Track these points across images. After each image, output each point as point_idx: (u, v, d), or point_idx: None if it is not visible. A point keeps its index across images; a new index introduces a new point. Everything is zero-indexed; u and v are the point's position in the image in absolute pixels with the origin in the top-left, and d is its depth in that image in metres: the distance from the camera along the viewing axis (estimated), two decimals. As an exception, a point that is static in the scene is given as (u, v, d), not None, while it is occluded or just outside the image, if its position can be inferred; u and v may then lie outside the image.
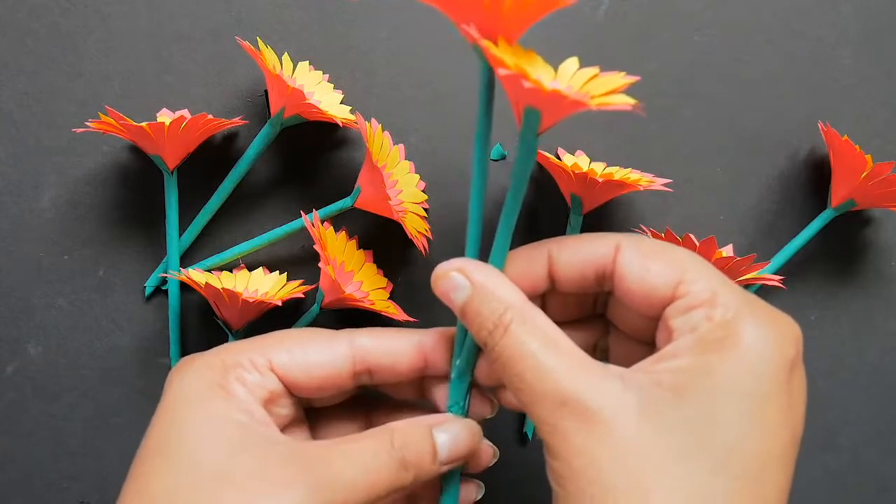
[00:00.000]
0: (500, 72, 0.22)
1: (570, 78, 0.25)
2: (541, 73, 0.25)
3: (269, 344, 0.28)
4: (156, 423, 0.27)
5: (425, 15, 0.40)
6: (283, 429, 0.29)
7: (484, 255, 0.29)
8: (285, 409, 0.28)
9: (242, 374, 0.27)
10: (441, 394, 0.30)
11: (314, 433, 0.31)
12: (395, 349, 0.29)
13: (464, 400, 0.29)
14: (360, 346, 0.29)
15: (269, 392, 0.27)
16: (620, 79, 0.24)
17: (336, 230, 0.37)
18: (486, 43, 0.23)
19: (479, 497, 0.31)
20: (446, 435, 0.27)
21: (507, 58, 0.23)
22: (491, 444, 0.30)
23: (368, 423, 0.31)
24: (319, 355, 0.28)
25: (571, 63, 0.26)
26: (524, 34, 0.25)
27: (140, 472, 0.26)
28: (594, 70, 0.25)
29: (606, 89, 0.24)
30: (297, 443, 0.26)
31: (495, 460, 0.30)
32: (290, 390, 0.28)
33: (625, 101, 0.22)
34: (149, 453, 0.26)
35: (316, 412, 0.31)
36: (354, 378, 0.29)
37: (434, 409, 0.31)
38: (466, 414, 0.30)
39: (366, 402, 0.32)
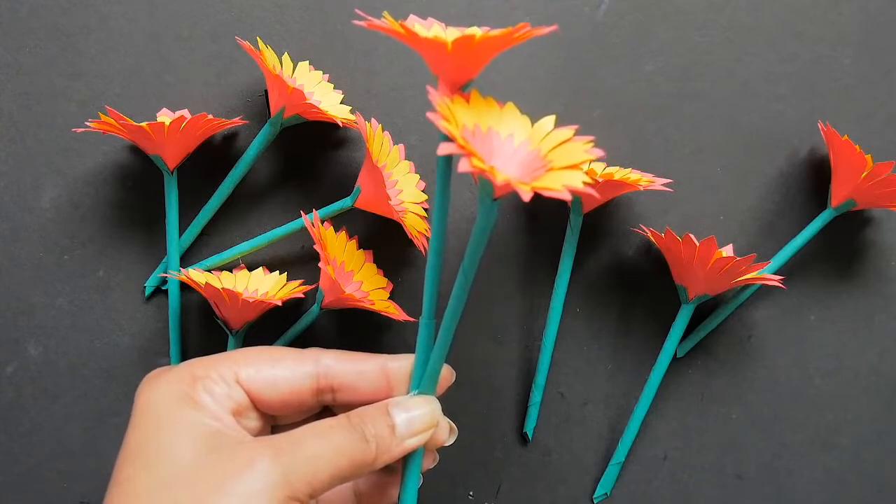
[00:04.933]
0: (444, 149, 0.23)
1: (541, 140, 0.25)
2: (512, 131, 0.25)
3: (236, 359, 0.29)
4: (131, 431, 0.28)
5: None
6: None
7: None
8: (252, 421, 0.30)
9: (210, 385, 0.28)
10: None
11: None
12: (360, 369, 0.30)
13: (423, 378, 0.30)
14: (325, 365, 0.30)
15: (237, 403, 0.29)
16: (584, 152, 0.24)
17: (336, 230, 0.37)
18: (443, 109, 0.23)
19: (432, 466, 0.32)
20: (405, 413, 0.29)
21: (456, 132, 0.23)
22: (449, 420, 0.31)
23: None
24: (285, 370, 0.30)
25: (547, 122, 0.26)
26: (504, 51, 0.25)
27: (122, 476, 0.26)
28: (568, 132, 0.25)
29: (567, 162, 0.24)
30: (268, 437, 0.27)
31: (454, 438, 0.31)
32: (256, 404, 0.29)
33: (567, 187, 0.22)
34: (128, 459, 0.27)
35: (282, 430, 0.32)
36: (318, 395, 0.30)
37: None
38: (432, 388, 0.30)
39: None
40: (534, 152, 0.25)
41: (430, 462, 0.32)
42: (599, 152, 0.24)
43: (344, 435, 0.27)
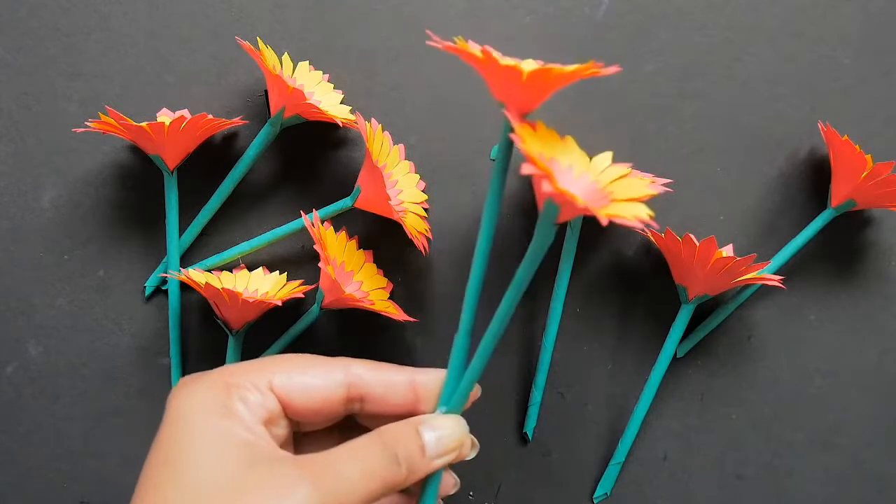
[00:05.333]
0: (526, 169, 0.24)
1: (600, 173, 0.27)
2: (572, 163, 0.27)
3: (269, 366, 0.29)
4: (161, 439, 0.27)
5: (425, 15, 0.40)
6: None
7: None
8: (282, 429, 0.29)
9: (245, 393, 0.28)
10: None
11: (299, 448, 0.32)
12: (389, 380, 0.30)
13: (451, 396, 0.30)
14: (355, 374, 0.30)
15: (269, 412, 0.28)
16: (645, 187, 0.26)
17: (336, 230, 0.37)
18: (520, 132, 0.25)
19: (455, 492, 0.32)
20: (434, 433, 0.29)
21: (535, 151, 0.24)
22: (472, 436, 0.31)
23: (352, 434, 0.32)
24: (316, 378, 0.29)
25: (605, 158, 0.28)
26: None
27: (149, 485, 0.26)
28: (625, 169, 0.27)
29: (629, 195, 0.26)
30: (300, 456, 0.27)
31: (475, 452, 0.31)
32: (287, 412, 0.29)
33: (637, 217, 0.24)
34: (156, 469, 0.26)
35: (303, 437, 0.32)
36: (347, 404, 0.30)
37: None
38: (460, 407, 0.30)
39: (351, 431, 0.33)
40: (594, 184, 0.27)
41: (450, 487, 0.32)
42: (660, 188, 0.27)
43: (377, 457, 0.27)
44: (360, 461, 0.27)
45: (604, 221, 0.23)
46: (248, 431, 0.27)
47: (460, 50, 0.26)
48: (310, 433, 0.32)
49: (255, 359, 0.30)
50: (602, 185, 0.27)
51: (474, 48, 0.27)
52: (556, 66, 0.25)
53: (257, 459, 0.26)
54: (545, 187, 0.23)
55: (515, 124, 0.25)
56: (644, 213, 0.24)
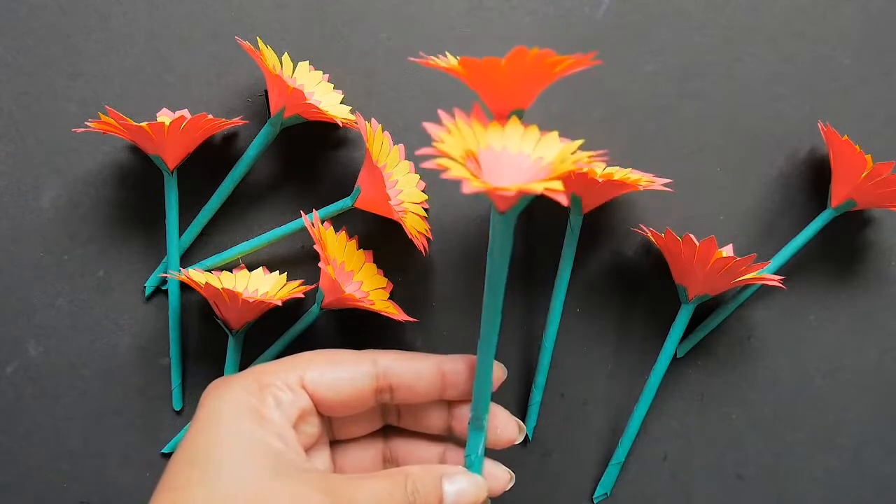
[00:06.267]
0: (445, 175, 0.24)
1: (537, 147, 0.27)
2: (507, 144, 0.27)
3: (300, 363, 0.30)
4: (191, 438, 0.28)
5: (425, 15, 0.40)
6: (309, 449, 0.30)
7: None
8: (313, 427, 0.30)
9: (278, 393, 0.29)
10: (458, 423, 0.32)
11: (335, 454, 0.33)
12: (417, 369, 0.31)
13: (478, 450, 0.31)
14: (383, 366, 0.31)
15: (301, 410, 0.29)
16: (571, 150, 0.25)
17: (336, 230, 0.37)
18: (438, 141, 0.24)
19: (510, 487, 0.33)
20: (454, 487, 0.29)
21: (455, 151, 0.24)
22: (507, 469, 0.32)
23: (386, 450, 0.34)
24: (346, 372, 0.30)
25: (553, 136, 0.27)
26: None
27: (175, 484, 0.26)
28: (566, 143, 0.26)
29: (563, 166, 0.25)
30: (325, 474, 0.28)
31: (511, 484, 0.32)
32: (318, 407, 0.30)
33: (554, 190, 0.23)
34: (184, 467, 0.27)
35: (341, 445, 0.33)
36: (377, 394, 0.31)
37: (449, 442, 0.33)
38: (481, 463, 0.31)
39: (384, 431, 0.34)
40: (536, 160, 0.26)
41: (506, 483, 0.32)
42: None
43: (397, 500, 0.28)
44: (378, 497, 0.27)
45: (501, 205, 0.24)
46: (279, 438, 0.27)
47: (442, 67, 0.27)
48: (348, 442, 0.33)
49: (285, 357, 0.31)
50: (542, 158, 0.26)
51: (451, 60, 0.27)
52: (536, 51, 0.25)
53: (283, 470, 0.27)
54: (465, 188, 0.23)
55: (436, 132, 0.25)
56: (559, 187, 0.23)
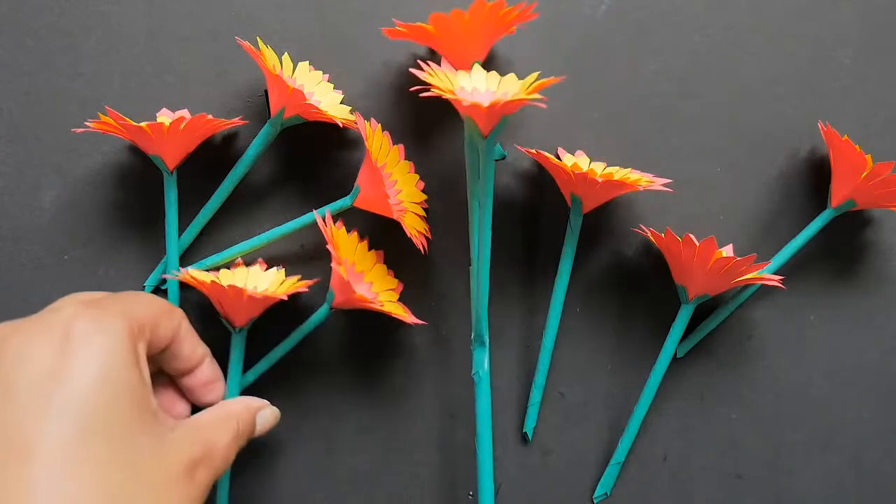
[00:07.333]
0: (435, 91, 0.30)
1: (497, 84, 0.33)
2: (475, 84, 0.32)
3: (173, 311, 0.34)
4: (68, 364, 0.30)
5: (425, 16, 0.40)
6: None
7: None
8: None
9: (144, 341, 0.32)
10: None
11: None
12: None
13: (483, 365, 0.35)
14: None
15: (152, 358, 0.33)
16: (529, 84, 0.31)
17: (336, 230, 0.37)
18: (426, 74, 0.31)
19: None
20: (262, 417, 0.36)
21: (443, 84, 0.30)
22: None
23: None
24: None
25: (510, 77, 0.33)
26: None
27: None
28: (531, 78, 0.31)
29: (521, 94, 0.30)
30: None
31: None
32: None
33: (521, 101, 0.29)
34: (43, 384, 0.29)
35: None
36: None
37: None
38: (489, 380, 0.36)
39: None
40: (505, 95, 0.31)
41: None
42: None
43: (232, 434, 0.32)
44: (220, 433, 0.32)
45: (482, 105, 0.29)
46: (142, 384, 0.30)
47: (408, 33, 0.33)
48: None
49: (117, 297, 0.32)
50: (507, 92, 0.32)
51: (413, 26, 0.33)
52: (493, 3, 0.31)
53: (146, 409, 0.30)
54: (464, 104, 0.29)
55: (426, 72, 0.31)
56: (533, 96, 0.28)
